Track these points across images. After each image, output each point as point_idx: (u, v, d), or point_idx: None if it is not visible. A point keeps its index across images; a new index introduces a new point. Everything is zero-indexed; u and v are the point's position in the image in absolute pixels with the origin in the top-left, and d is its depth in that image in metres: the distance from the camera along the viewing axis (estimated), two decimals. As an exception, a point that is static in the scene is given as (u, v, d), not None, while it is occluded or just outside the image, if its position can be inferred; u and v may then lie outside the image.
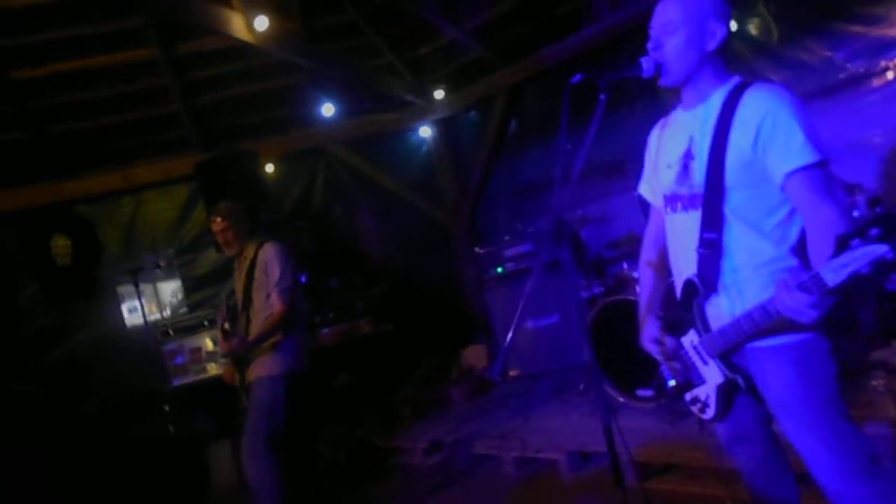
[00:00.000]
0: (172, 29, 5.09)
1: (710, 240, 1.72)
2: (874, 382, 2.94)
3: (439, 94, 6.33)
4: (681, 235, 1.83)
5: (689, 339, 1.85)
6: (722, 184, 1.68)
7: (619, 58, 5.16)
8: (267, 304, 3.35)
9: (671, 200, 1.86)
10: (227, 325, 3.34)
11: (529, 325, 5.25)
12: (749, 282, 1.68)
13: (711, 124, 1.72)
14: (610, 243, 5.19)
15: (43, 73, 5.16)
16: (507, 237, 5.72)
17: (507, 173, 6.54)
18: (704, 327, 1.79)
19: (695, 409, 1.92)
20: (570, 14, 5.38)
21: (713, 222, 1.72)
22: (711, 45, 1.73)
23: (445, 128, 6.74)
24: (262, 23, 4.31)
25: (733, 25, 4.69)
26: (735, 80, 1.76)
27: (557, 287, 4.93)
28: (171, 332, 5.47)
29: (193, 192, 5.88)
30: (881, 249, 1.27)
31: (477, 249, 5.86)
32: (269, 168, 6.01)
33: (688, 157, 1.79)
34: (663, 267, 2.03)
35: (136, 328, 5.58)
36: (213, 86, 5.83)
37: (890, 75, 4.36)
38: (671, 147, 1.87)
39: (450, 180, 6.76)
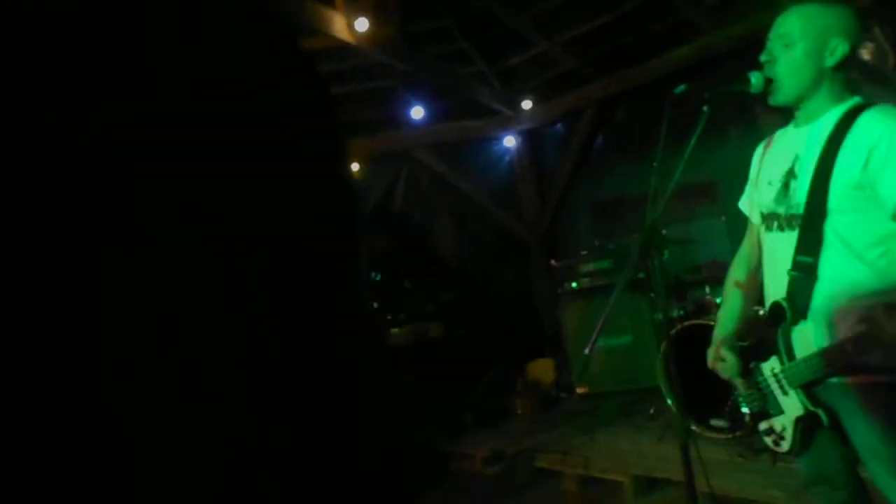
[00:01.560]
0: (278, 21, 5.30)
1: (805, 263, 1.64)
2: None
3: (527, 104, 6.32)
4: (775, 256, 1.76)
5: (770, 365, 1.77)
6: (824, 205, 1.60)
7: (715, 78, 5.00)
8: None
9: (768, 219, 1.79)
10: None
11: (601, 343, 5.15)
12: (843, 312, 1.59)
13: (821, 143, 1.63)
14: (691, 267, 5.03)
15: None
16: (584, 252, 5.65)
17: (589, 188, 6.47)
18: (788, 355, 1.70)
19: (769, 440, 1.83)
20: (667, 30, 5.28)
21: (810, 245, 1.63)
22: (830, 62, 1.64)
23: (530, 138, 6.73)
24: (362, 24, 4.43)
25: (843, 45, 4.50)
26: (854, 100, 1.67)
27: (633, 307, 4.83)
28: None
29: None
30: None
31: (553, 262, 5.81)
32: (355, 167, 6.17)
33: (790, 174, 1.71)
34: (751, 288, 1.95)
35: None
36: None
37: None
38: (775, 164, 1.79)
39: (531, 191, 6.74)
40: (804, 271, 1.65)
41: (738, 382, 1.87)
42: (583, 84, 6.03)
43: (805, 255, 1.65)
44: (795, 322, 1.67)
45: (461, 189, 6.79)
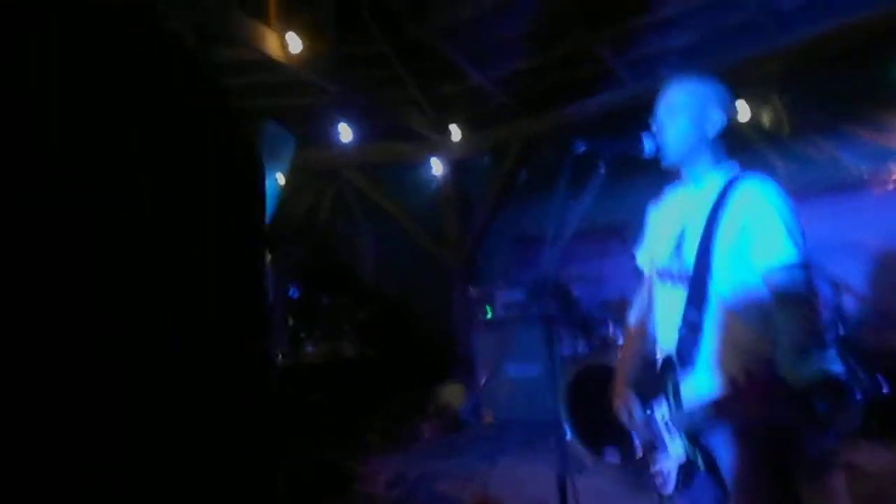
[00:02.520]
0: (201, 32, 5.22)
1: (692, 320, 1.78)
2: (835, 482, 2.97)
3: (457, 133, 6.46)
4: (667, 309, 1.90)
5: (661, 412, 1.90)
6: (708, 267, 1.75)
7: (636, 124, 5.29)
8: None
9: (663, 274, 1.94)
10: None
11: (510, 372, 5.29)
12: (728, 363, 1.72)
13: (705, 209, 1.80)
14: (601, 303, 5.26)
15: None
16: (500, 282, 5.80)
17: (511, 220, 6.65)
18: (676, 403, 1.83)
19: (657, 482, 1.95)
20: (595, 76, 5.55)
21: (697, 303, 1.78)
22: (711, 132, 1.83)
23: (458, 167, 6.87)
24: (295, 44, 4.45)
25: (746, 112, 4.86)
26: (734, 167, 1.85)
27: (543, 338, 4.97)
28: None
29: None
30: (835, 368, 1.33)
31: (470, 289, 5.93)
32: (280, 180, 6.11)
33: (681, 236, 1.87)
34: (646, 336, 2.08)
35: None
36: (236, 94, 5.95)
37: (893, 184, 4.48)
38: (668, 224, 1.95)
39: (454, 218, 6.86)
40: (691, 328, 1.79)
41: (636, 424, 1.98)
42: (512, 119, 6.22)
43: (692, 311, 1.79)
44: (684, 372, 1.81)
45: (386, 210, 6.84)
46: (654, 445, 1.93)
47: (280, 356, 5.58)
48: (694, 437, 1.81)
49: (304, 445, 4.92)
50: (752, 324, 1.73)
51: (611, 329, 4.50)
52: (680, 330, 1.81)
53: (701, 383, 1.77)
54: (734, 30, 4.80)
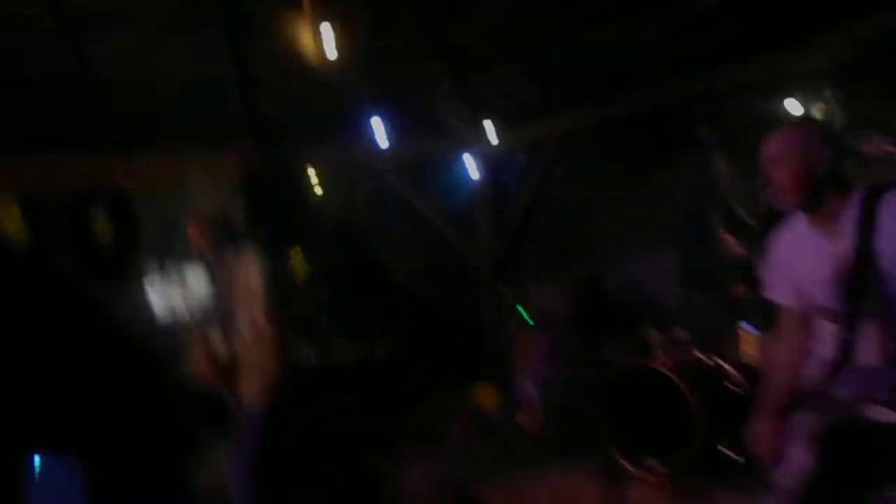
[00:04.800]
0: (243, 23, 5.22)
1: (848, 339, 1.76)
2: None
3: (492, 131, 6.35)
4: (828, 345, 1.84)
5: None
6: (883, 298, 1.73)
7: (682, 125, 5.11)
8: (248, 321, 3.13)
9: (823, 312, 1.90)
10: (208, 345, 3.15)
11: (546, 375, 5.15)
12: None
13: (852, 242, 1.76)
14: (642, 303, 5.10)
15: (110, 42, 5.27)
16: (533, 283, 5.68)
17: (546, 220, 6.51)
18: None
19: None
20: (639, 72, 5.37)
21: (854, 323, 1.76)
22: (822, 170, 1.81)
23: (493, 165, 6.76)
24: (330, 39, 4.40)
25: (797, 108, 4.66)
26: (860, 191, 1.81)
27: (580, 341, 4.85)
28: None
29: (237, 187, 5.96)
30: None
31: (504, 291, 5.82)
32: (314, 178, 6.09)
33: (834, 275, 1.82)
34: (795, 370, 2.01)
35: (161, 314, 5.62)
36: (276, 86, 5.94)
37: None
38: (812, 264, 1.91)
39: (488, 217, 6.75)
40: (846, 345, 1.77)
41: (768, 456, 1.93)
42: (549, 116, 6.09)
43: (849, 332, 1.77)
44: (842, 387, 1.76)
45: (419, 209, 6.75)
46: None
47: (313, 357, 5.54)
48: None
49: (336, 447, 4.87)
50: None
51: (651, 332, 4.34)
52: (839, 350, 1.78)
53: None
54: (785, 21, 4.59)
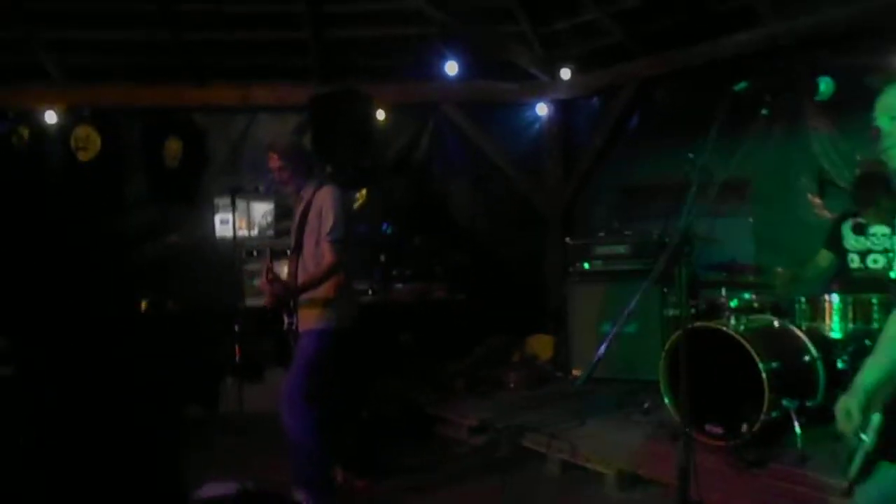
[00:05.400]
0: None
1: None
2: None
3: (566, 73, 6.08)
4: None
5: None
6: None
7: (771, 72, 4.76)
8: (316, 252, 3.22)
9: None
10: (271, 270, 3.22)
11: (605, 328, 5.04)
12: None
13: None
14: (709, 265, 4.87)
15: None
16: (601, 234, 5.50)
17: (617, 169, 6.25)
18: None
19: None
20: (726, 13, 4.99)
21: None
22: None
23: (564, 109, 6.51)
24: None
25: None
26: None
27: (644, 295, 4.68)
28: (254, 253, 5.60)
29: (304, 122, 5.94)
30: None
31: (568, 239, 5.67)
32: (381, 114, 5.98)
33: None
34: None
35: (224, 241, 5.73)
36: (345, 22, 5.83)
37: None
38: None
39: (556, 163, 6.55)
40: None
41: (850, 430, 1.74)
42: (627, 60, 5.78)
43: None
44: None
45: (485, 151, 6.58)
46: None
47: (370, 292, 5.57)
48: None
49: (390, 385, 4.94)
50: None
51: (721, 293, 4.14)
52: None
53: None
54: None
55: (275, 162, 3.34)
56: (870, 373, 1.79)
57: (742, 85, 1.53)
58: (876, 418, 1.66)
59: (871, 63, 4.33)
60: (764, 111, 1.55)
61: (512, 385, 5.34)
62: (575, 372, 5.32)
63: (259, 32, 5.84)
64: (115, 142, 6.01)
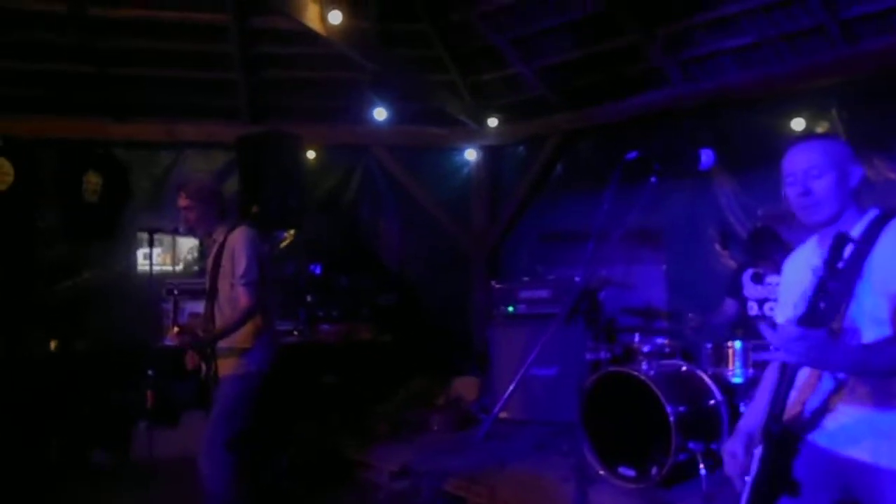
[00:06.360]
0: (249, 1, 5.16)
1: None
2: None
3: (493, 122, 6.30)
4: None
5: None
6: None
7: (677, 129, 5.10)
8: (232, 295, 3.13)
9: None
10: (177, 322, 3.14)
11: (527, 371, 5.13)
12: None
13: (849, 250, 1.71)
14: (626, 310, 5.08)
15: (117, 15, 5.25)
16: (525, 278, 5.65)
17: (540, 216, 6.47)
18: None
19: None
20: (639, 75, 5.34)
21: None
22: (853, 185, 1.81)
23: (491, 156, 6.71)
24: (335, 17, 4.33)
25: (800, 124, 4.63)
26: (874, 211, 1.80)
27: (563, 339, 4.81)
28: (175, 292, 5.45)
29: (231, 161, 5.90)
30: None
31: (493, 283, 5.79)
32: (310, 155, 6.02)
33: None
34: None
35: (143, 276, 5.57)
36: (275, 63, 5.88)
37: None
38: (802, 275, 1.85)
39: (483, 208, 6.72)
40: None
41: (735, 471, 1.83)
42: (551, 112, 6.04)
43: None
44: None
45: (414, 194, 6.70)
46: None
47: (295, 332, 5.51)
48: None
49: (310, 429, 4.86)
50: None
51: (636, 339, 4.32)
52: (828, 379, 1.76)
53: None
54: (793, 36, 4.55)
55: (183, 201, 3.21)
56: (750, 417, 1.94)
57: (633, 155, 1.67)
58: (758, 451, 1.78)
59: (772, 125, 4.73)
60: (653, 178, 1.69)
61: (436, 427, 5.34)
62: (503, 415, 5.38)
63: (188, 71, 5.80)
64: (30, 174, 5.79)
